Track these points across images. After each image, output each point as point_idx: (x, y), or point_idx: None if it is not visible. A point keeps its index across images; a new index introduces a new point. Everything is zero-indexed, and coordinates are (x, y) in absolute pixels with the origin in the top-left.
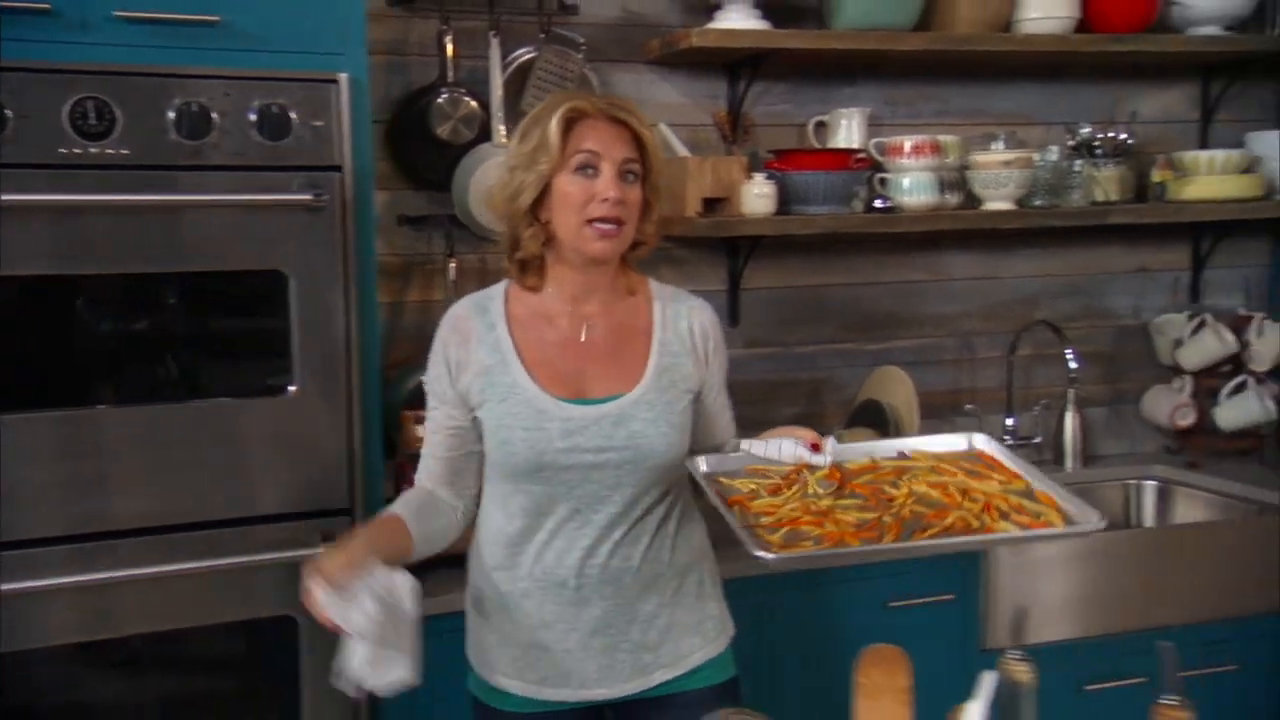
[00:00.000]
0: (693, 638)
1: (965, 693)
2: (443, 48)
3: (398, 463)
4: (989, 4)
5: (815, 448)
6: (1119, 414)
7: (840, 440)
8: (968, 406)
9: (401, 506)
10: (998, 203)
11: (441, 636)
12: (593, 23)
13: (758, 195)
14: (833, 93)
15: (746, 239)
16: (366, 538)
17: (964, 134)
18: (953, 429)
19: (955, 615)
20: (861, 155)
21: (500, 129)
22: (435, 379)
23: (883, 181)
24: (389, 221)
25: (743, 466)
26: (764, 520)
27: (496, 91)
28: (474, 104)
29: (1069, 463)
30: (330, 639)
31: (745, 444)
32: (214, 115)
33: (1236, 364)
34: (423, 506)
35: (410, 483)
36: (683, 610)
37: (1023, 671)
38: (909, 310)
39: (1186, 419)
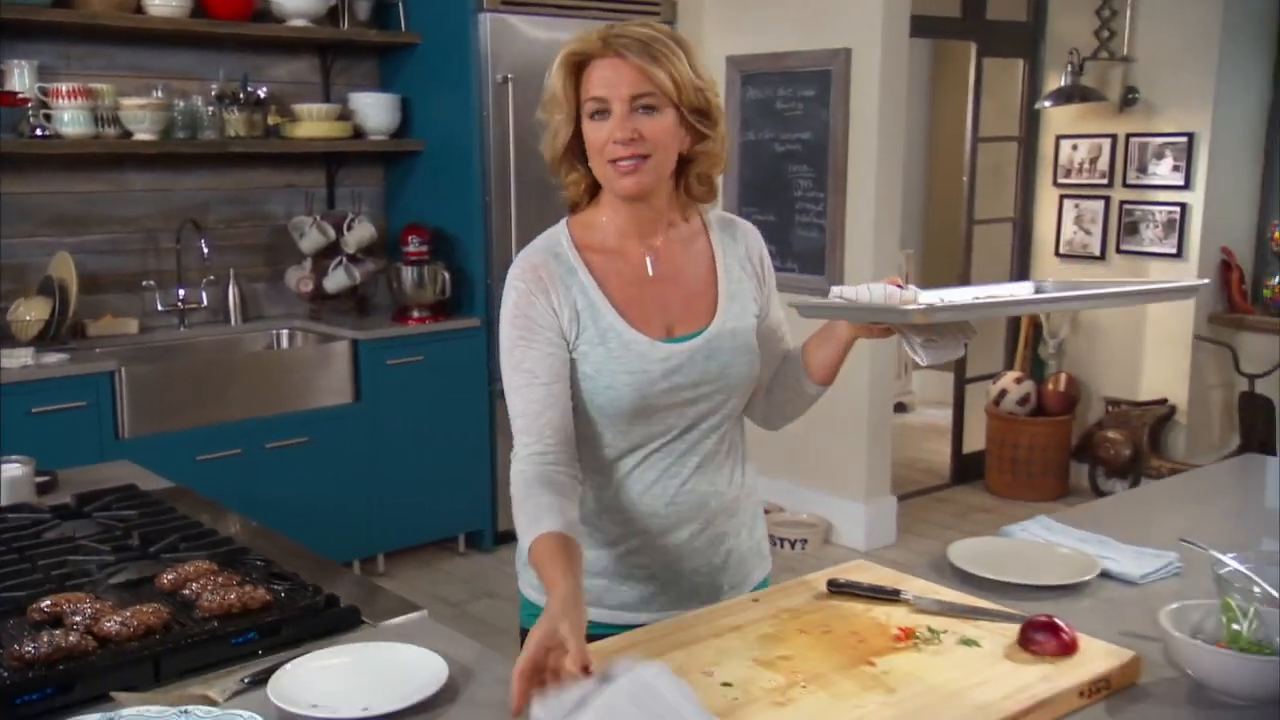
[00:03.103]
0: (753, 558)
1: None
2: None
3: None
4: None
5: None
6: (276, 287)
7: (19, 309)
8: (146, 282)
9: (558, 521)
10: (143, 134)
11: None
12: None
13: None
14: (13, 46)
15: None
16: (571, 607)
17: (131, 84)
18: (139, 301)
19: (93, 417)
20: (23, 95)
21: None
22: (538, 316)
23: (48, 116)
24: None
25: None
26: None
27: None
28: None
29: (233, 319)
30: None
31: (836, 289)
32: None
33: (338, 249)
34: (566, 505)
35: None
36: (746, 531)
37: None
38: (100, 212)
39: (307, 286)
